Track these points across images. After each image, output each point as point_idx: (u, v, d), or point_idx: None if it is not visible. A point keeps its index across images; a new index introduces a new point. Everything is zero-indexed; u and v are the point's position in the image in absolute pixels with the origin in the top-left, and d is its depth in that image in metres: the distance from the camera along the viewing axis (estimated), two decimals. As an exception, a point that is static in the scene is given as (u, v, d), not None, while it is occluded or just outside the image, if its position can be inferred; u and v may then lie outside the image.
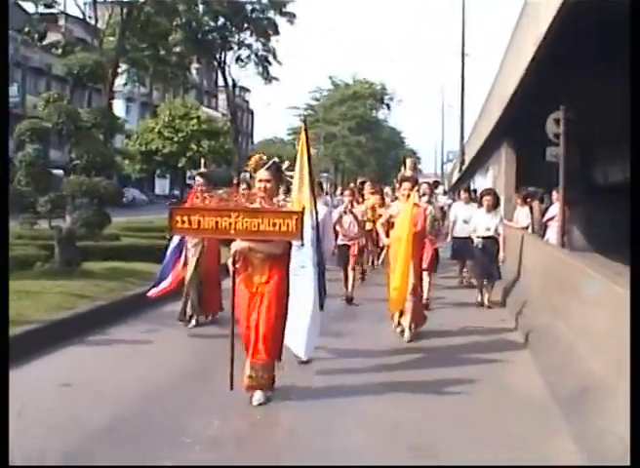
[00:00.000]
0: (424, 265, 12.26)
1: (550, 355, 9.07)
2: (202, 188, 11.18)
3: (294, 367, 8.25)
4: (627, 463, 4.17)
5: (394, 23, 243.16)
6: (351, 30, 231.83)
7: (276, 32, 48.94)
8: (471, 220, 14.79)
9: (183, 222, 7.44)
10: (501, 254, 13.76)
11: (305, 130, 8.64)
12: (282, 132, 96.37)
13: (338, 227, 14.56)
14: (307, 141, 8.51)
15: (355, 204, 15.65)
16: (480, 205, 14.66)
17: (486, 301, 13.94)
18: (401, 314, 10.89)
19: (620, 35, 15.30)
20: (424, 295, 12.67)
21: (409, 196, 10.89)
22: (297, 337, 7.94)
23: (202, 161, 13.48)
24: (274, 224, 7.12)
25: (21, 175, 14.86)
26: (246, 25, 48.06)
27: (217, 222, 7.32)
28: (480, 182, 43.44)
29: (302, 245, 7.69)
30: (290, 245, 7.52)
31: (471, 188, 22.62)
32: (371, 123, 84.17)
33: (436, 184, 24.78)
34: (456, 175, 64.72)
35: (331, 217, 12.48)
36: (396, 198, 13.98)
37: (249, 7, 47.50)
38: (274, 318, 7.35)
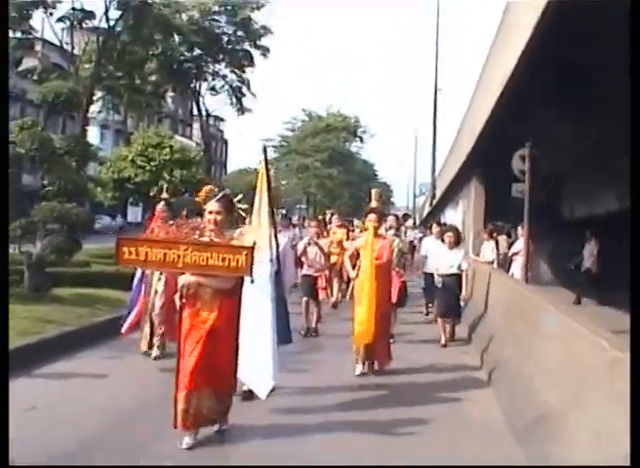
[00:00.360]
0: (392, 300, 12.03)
1: (511, 390, 9.09)
2: (163, 215, 11.05)
3: (247, 404, 8.15)
4: (627, 463, 4.19)
5: (369, 57, 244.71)
6: (325, 64, 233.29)
7: (251, 64, 49.52)
8: (433, 258, 14.74)
9: (130, 253, 7.06)
10: (464, 292, 13.57)
11: (265, 160, 8.26)
12: (256, 162, 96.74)
13: (303, 258, 14.40)
14: (267, 172, 8.22)
15: (321, 236, 15.37)
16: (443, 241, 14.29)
17: (447, 339, 13.58)
18: (366, 349, 10.56)
19: (584, 78, 15.84)
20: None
21: (374, 228, 10.75)
22: (254, 375, 7.62)
23: (164, 187, 13.35)
24: (224, 259, 6.86)
25: (-7, 200, 14.94)
26: (221, 56, 48.63)
27: (165, 255, 6.99)
28: (451, 216, 43.77)
29: (252, 281, 7.19)
30: (242, 280, 7.21)
31: (442, 222, 22.88)
32: (343, 155, 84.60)
33: (405, 217, 25.15)
34: (427, 209, 65.18)
35: (292, 249, 12.02)
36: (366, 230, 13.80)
37: (224, 38, 48.06)
38: (223, 354, 7.13)
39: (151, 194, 32.67)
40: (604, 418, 5.65)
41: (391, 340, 12.13)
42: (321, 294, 14.42)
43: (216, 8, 46.53)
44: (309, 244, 14.42)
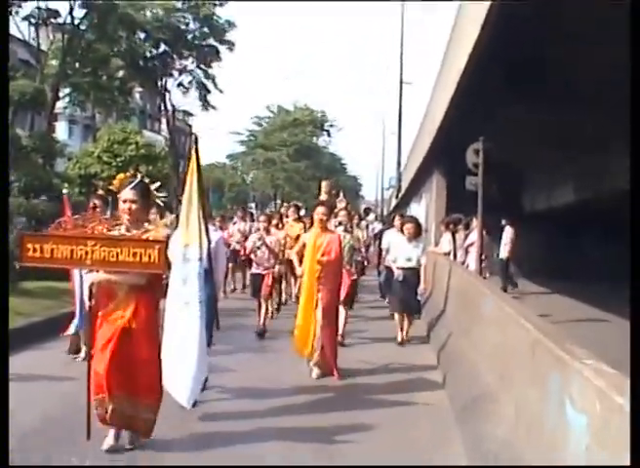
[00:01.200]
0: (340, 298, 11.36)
1: (457, 376, 9.28)
2: (97, 210, 9.35)
3: (174, 412, 7.40)
4: (627, 463, 4.01)
5: (336, 50, 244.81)
6: (293, 58, 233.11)
7: (217, 58, 49.78)
8: (393, 250, 14.12)
9: (35, 251, 6.56)
10: (421, 286, 13.10)
11: (196, 150, 7.36)
12: (224, 156, 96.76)
13: (252, 256, 14.20)
14: (198, 163, 7.31)
15: (275, 229, 15.03)
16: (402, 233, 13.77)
17: (405, 336, 13.10)
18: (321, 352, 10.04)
19: (536, 72, 16.38)
20: (339, 331, 11.73)
21: (322, 222, 10.25)
22: (178, 382, 6.84)
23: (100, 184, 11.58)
24: (135, 254, 6.38)
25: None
26: (187, 53, 48.87)
27: (72, 251, 6.50)
28: (415, 209, 44.35)
29: (167, 277, 6.81)
30: (158, 275, 6.71)
31: (405, 215, 23.17)
32: (310, 149, 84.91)
33: (367, 211, 25.69)
34: (393, 202, 65.63)
35: (223, 245, 10.71)
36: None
37: (189, 35, 48.32)
38: (144, 355, 6.63)
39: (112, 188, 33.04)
40: (525, 395, 6.18)
41: (342, 340, 12.06)
42: (264, 291, 13.77)
43: (179, 4, 46.79)
44: (259, 247, 13.98)
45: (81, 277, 9.99)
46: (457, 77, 19.28)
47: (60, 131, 53.46)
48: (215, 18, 48.02)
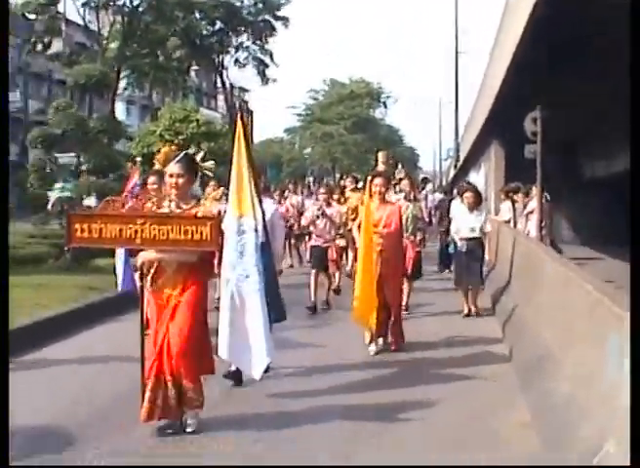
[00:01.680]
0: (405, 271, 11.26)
1: (522, 347, 9.11)
2: (154, 187, 8.72)
3: (241, 390, 7.65)
4: (627, 463, 4.08)
5: (389, 22, 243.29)
6: (347, 31, 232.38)
7: (273, 34, 50.07)
8: (455, 221, 13.58)
9: (83, 231, 6.40)
10: (487, 257, 13.09)
11: (242, 118, 7.03)
12: (282, 131, 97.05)
13: (311, 228, 13.86)
14: (246, 133, 6.93)
15: (336, 204, 14.24)
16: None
17: (472, 308, 12.62)
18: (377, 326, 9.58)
19: (590, 39, 16.41)
20: (403, 303, 11.41)
21: (380, 193, 9.89)
22: (245, 355, 6.68)
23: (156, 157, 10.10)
24: (186, 232, 6.18)
25: (33, 179, 15.97)
26: (242, 29, 49.23)
27: (120, 230, 6.31)
28: (474, 179, 44.29)
29: (220, 253, 6.60)
30: (210, 252, 6.57)
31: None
32: (368, 122, 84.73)
33: (425, 181, 24.97)
34: (452, 173, 65.52)
35: (280, 216, 10.22)
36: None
37: (244, 11, 48.66)
38: (189, 334, 6.35)
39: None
40: (585, 354, 6.43)
41: (405, 313, 11.68)
42: (331, 267, 13.47)
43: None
44: (318, 217, 13.41)
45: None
46: (512, 47, 19.37)
47: (119, 111, 54.23)
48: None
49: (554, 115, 18.83)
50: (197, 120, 32.61)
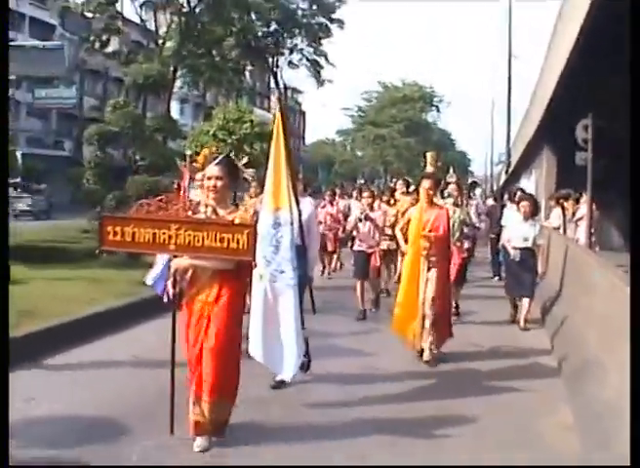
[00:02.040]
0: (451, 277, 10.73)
1: (571, 360, 8.95)
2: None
3: (276, 396, 7.46)
4: (627, 463, 4.08)
5: (441, 26, 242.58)
6: (400, 34, 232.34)
7: (328, 35, 50.38)
8: (508, 229, 13.29)
9: (116, 234, 6.14)
10: (540, 269, 12.36)
11: (282, 114, 6.97)
12: (334, 133, 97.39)
13: (355, 233, 13.25)
14: (285, 129, 6.88)
15: (385, 205, 14.36)
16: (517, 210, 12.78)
17: (522, 321, 12.04)
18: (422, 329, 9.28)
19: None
20: (452, 306, 11.43)
21: (428, 196, 9.49)
22: (277, 355, 6.58)
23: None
24: (222, 239, 5.88)
25: (89, 176, 16.37)
26: (297, 31, 49.62)
27: (154, 235, 6.05)
28: (525, 184, 44.11)
29: (255, 263, 6.20)
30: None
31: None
32: (420, 125, 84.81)
33: (474, 185, 24.43)
34: (503, 178, 65.23)
35: (316, 218, 9.93)
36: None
37: (299, 12, 49.05)
38: (223, 346, 6.07)
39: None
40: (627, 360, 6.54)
41: (455, 318, 11.42)
42: (372, 273, 12.89)
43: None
44: (361, 220, 12.87)
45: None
46: (566, 53, 19.37)
47: (173, 110, 54.98)
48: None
49: (607, 122, 18.80)
50: (251, 121, 32.96)
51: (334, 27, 50.53)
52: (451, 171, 17.56)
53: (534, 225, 12.30)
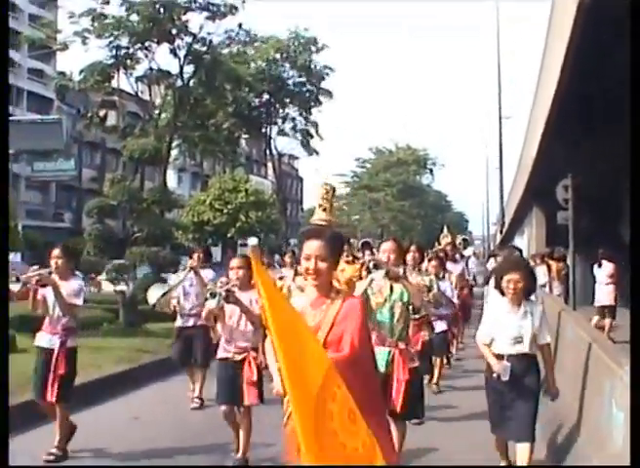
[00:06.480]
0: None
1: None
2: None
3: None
4: (627, 463, 4.03)
5: (430, 89, 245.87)
6: (390, 99, 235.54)
7: (317, 104, 51.27)
8: (483, 322, 7.42)
9: None
10: (552, 386, 7.28)
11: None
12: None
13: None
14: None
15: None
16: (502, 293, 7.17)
17: None
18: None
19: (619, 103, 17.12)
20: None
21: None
22: None
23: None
24: None
25: (89, 247, 17.01)
26: (288, 100, 50.57)
27: None
28: (518, 243, 44.68)
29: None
30: None
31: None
32: (415, 188, 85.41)
33: (465, 244, 22.12)
34: (498, 237, 65.79)
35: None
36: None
37: (290, 82, 50.05)
38: None
39: (229, 235, 34.65)
40: (590, 402, 7.07)
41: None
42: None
43: (277, 55, 48.61)
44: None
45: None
46: (546, 112, 20.06)
47: (170, 179, 55.74)
48: (312, 65, 49.60)
49: (590, 179, 19.43)
50: (246, 190, 33.74)
51: (323, 97, 51.52)
52: (445, 230, 17.85)
53: (529, 313, 7.00)
